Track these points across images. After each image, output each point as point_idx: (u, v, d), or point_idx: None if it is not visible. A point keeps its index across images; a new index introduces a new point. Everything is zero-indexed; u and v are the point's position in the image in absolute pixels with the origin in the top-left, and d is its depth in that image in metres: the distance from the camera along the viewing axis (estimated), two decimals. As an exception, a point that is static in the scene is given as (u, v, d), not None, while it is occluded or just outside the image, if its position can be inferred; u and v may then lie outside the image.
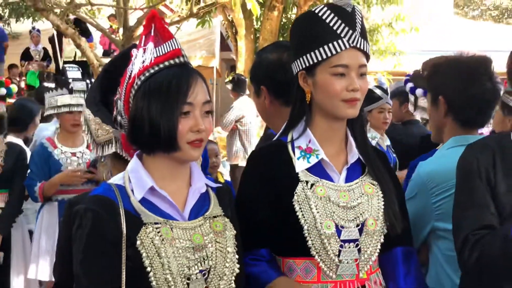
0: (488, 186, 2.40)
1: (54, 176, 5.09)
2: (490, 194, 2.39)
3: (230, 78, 10.58)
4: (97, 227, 2.10)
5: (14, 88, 5.39)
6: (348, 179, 2.44)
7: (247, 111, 9.01)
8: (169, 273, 2.07)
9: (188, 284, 2.10)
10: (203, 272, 2.13)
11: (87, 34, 15.16)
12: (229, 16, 13.44)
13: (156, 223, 2.11)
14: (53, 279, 4.85)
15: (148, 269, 2.06)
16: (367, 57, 2.42)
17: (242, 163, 8.66)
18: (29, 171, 5.20)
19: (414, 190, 2.86)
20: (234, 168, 9.38)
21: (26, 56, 16.25)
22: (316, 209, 2.34)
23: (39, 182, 5.10)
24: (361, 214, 2.39)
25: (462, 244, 2.38)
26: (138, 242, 2.07)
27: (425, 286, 2.66)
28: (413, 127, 6.28)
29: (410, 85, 4.80)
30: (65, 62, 13.28)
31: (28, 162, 5.30)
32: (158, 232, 2.10)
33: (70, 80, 5.12)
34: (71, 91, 5.10)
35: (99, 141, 2.53)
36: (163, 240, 2.09)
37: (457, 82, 2.87)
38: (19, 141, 5.77)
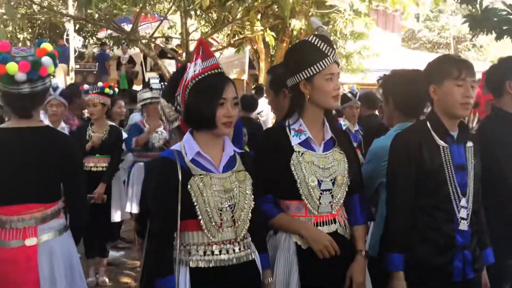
0: (415, 163, 2.38)
1: (145, 135, 5.28)
2: (416, 167, 2.37)
3: (254, 86, 10.57)
4: (163, 177, 2.12)
5: (117, 90, 5.44)
6: (325, 149, 2.42)
7: (265, 108, 8.98)
8: (208, 207, 2.08)
9: (220, 214, 2.11)
10: (230, 206, 2.14)
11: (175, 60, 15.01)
12: (254, 46, 13.38)
13: (200, 175, 2.12)
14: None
15: (195, 203, 2.08)
16: (339, 66, 2.42)
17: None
18: (125, 136, 5.32)
19: (370, 157, 2.81)
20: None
21: (118, 63, 16.01)
22: (305, 169, 2.33)
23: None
24: (333, 172, 2.38)
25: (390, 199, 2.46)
26: (189, 187, 2.08)
27: (372, 219, 2.66)
28: (372, 118, 6.28)
29: (378, 79, 4.91)
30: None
31: (123, 137, 5.35)
32: (202, 180, 2.10)
33: (151, 83, 5.20)
34: (151, 89, 5.15)
35: (171, 119, 2.53)
36: (205, 185, 2.10)
37: (401, 87, 2.80)
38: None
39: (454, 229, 2.37)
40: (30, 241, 2.60)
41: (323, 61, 2.32)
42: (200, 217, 2.08)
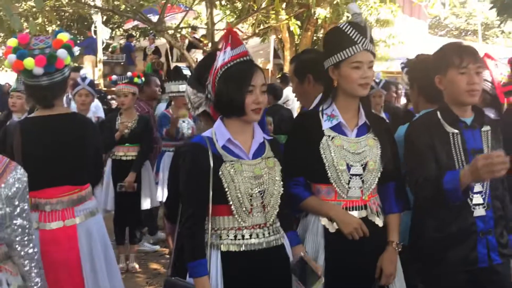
0: (430, 148, 2.38)
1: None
2: (432, 153, 2.37)
3: (279, 76, 10.56)
4: (195, 162, 2.15)
5: (139, 79, 5.43)
6: (358, 135, 2.41)
7: (290, 96, 8.98)
8: (239, 192, 2.11)
9: (250, 199, 2.13)
10: (260, 192, 2.16)
11: (189, 49, 15.01)
12: (279, 35, 13.33)
13: (231, 161, 2.14)
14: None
15: (226, 189, 2.11)
16: (374, 55, 2.39)
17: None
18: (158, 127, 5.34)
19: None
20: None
21: (144, 54, 16.02)
22: (334, 153, 2.33)
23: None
24: (364, 157, 2.36)
25: (414, 184, 2.42)
26: (220, 173, 2.11)
27: (409, 208, 2.56)
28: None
29: (402, 65, 4.82)
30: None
31: (152, 126, 5.40)
32: (233, 166, 2.13)
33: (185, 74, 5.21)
34: (186, 80, 5.17)
35: (195, 106, 2.55)
36: (235, 171, 2.12)
37: (425, 73, 2.72)
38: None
39: (472, 215, 2.35)
40: (69, 222, 2.77)
41: (350, 48, 2.31)
42: (231, 203, 2.11)
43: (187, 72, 5.23)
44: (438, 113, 2.44)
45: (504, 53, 14.91)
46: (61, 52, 2.70)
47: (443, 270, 2.40)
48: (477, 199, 2.35)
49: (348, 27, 2.35)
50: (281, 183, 2.22)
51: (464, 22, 30.03)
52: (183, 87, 5.11)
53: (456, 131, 2.38)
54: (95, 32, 14.47)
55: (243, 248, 2.13)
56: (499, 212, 2.41)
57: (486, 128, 2.43)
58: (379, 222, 2.40)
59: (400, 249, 2.42)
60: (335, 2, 10.36)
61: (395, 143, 2.56)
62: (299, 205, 2.40)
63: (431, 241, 2.43)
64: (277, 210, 2.21)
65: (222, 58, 2.21)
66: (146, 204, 5.34)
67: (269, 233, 2.19)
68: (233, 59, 2.18)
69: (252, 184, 2.13)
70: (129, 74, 5.20)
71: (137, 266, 5.29)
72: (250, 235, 2.15)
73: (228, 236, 2.14)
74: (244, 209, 2.12)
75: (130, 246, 5.37)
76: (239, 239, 2.14)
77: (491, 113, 3.21)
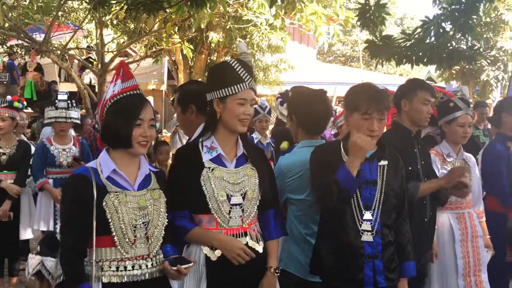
0: (330, 166, 2.54)
1: (52, 190, 4.99)
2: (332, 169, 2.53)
3: (173, 97, 10.51)
4: (77, 193, 2.15)
5: (20, 104, 5.20)
6: (237, 165, 2.51)
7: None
8: (122, 223, 2.13)
9: (134, 230, 2.16)
10: (144, 223, 2.19)
11: (84, 69, 14.53)
12: (172, 57, 13.35)
13: (116, 192, 2.16)
14: (51, 229, 4.75)
15: (109, 220, 2.12)
16: (255, 93, 2.52)
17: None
18: (32, 160, 5.08)
19: (276, 174, 2.87)
20: (174, 155, 9.36)
21: (24, 69, 15.14)
22: (214, 184, 2.41)
23: (42, 178, 5.00)
24: (243, 187, 2.47)
25: (321, 199, 2.59)
26: (104, 204, 2.12)
27: (286, 234, 2.74)
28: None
29: (280, 100, 5.03)
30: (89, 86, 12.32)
31: (32, 153, 5.17)
32: (117, 197, 2.15)
33: (57, 101, 5.03)
34: (56, 108, 5.02)
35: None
36: (120, 202, 2.14)
37: (302, 106, 2.97)
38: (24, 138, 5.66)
39: (360, 239, 2.55)
40: None
41: (238, 85, 2.43)
42: (114, 233, 2.13)
43: (61, 97, 5.06)
44: (342, 143, 2.65)
45: (384, 79, 16.13)
46: None
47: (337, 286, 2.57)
48: (365, 225, 2.55)
49: (237, 64, 2.47)
50: (166, 214, 2.27)
51: (350, 49, 31.97)
52: (52, 113, 4.98)
53: None
54: (-26, 49, 13.55)
55: (125, 279, 2.15)
56: (387, 239, 2.61)
57: (384, 162, 2.64)
58: (259, 248, 2.51)
59: (278, 274, 2.55)
60: (227, 27, 10.62)
61: (272, 171, 2.71)
62: (184, 237, 2.44)
63: (327, 259, 2.60)
64: (160, 241, 2.25)
65: (112, 90, 2.24)
66: (26, 234, 5.10)
67: (152, 264, 2.22)
68: (123, 92, 2.22)
69: (136, 215, 2.16)
70: (8, 98, 4.98)
71: (16, 300, 5.02)
72: (133, 266, 2.17)
73: (110, 267, 2.15)
74: (127, 240, 2.14)
75: (9, 278, 5.08)
76: (121, 271, 2.15)
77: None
